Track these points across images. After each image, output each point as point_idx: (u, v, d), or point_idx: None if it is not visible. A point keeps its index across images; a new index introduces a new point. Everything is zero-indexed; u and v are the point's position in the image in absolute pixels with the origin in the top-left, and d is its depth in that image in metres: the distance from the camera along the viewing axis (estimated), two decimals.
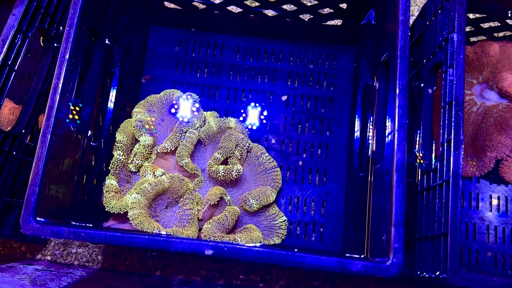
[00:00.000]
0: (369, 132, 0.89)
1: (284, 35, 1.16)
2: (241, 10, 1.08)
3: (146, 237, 0.66)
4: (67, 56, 0.72)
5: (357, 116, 1.04)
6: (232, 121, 1.08)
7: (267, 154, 1.07)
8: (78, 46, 0.75)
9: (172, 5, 1.12)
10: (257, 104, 1.14)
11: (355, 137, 1.03)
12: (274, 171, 1.06)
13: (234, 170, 1.01)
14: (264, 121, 1.12)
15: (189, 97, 1.09)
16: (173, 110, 1.09)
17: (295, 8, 1.06)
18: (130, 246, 0.65)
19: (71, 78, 0.74)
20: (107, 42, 0.89)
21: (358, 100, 1.05)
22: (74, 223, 0.80)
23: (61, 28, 0.90)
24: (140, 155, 1.03)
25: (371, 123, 0.88)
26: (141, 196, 0.94)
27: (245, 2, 1.06)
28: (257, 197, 1.01)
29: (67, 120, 0.75)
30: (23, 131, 0.84)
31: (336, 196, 1.08)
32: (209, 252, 0.65)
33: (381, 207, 0.75)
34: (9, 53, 0.75)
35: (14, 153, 0.83)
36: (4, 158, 0.81)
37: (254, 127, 1.12)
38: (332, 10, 1.05)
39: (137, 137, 1.04)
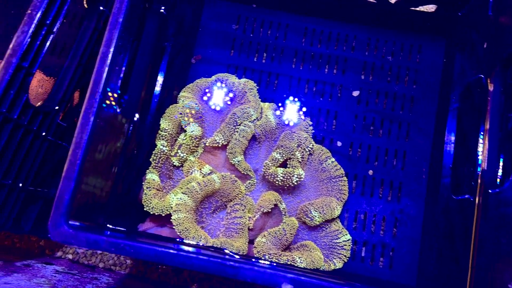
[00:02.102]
0: (478, 145, 0.73)
1: (361, 19, 1.00)
2: None
3: (207, 258, 0.52)
4: (120, 19, 0.59)
5: (449, 122, 0.89)
6: (295, 116, 0.94)
7: (333, 160, 0.92)
8: (133, 9, 0.62)
9: None
10: (322, 98, 0.99)
11: (447, 149, 0.87)
12: (340, 180, 0.91)
13: (295, 175, 0.87)
14: (330, 119, 0.98)
15: (246, 84, 0.95)
16: (226, 98, 0.95)
17: None
18: (185, 268, 0.51)
19: (123, 48, 0.61)
20: (162, 10, 0.76)
21: (452, 104, 0.89)
22: (110, 226, 0.67)
23: None
24: (185, 147, 0.89)
25: (482, 135, 0.73)
26: (188, 197, 0.80)
27: None
28: (320, 209, 0.86)
29: (113, 100, 0.62)
30: (56, 107, 0.72)
31: (412, 215, 0.92)
32: (287, 286, 0.51)
33: (500, 244, 0.60)
34: (48, 11, 0.62)
35: (44, 133, 0.71)
36: (31, 139, 0.68)
37: (318, 126, 0.98)
38: None
39: (183, 126, 0.91)
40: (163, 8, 0.75)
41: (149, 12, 0.73)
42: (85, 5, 0.74)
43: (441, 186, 0.87)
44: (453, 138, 0.87)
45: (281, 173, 0.87)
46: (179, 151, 0.89)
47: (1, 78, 0.58)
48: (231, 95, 0.95)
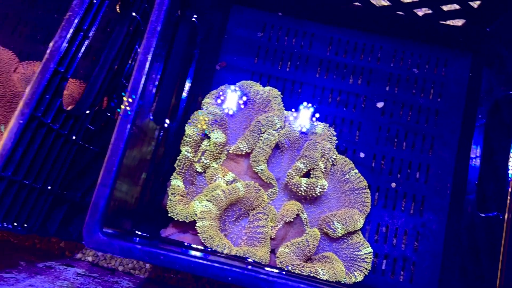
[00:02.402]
0: (508, 162, 0.73)
1: (388, 30, 1.00)
2: None
3: (241, 271, 0.52)
4: (158, 28, 0.59)
5: (475, 137, 0.88)
6: (319, 126, 0.94)
7: (356, 171, 0.92)
8: (170, 17, 0.62)
9: None
10: (346, 108, 0.99)
11: (473, 165, 0.87)
12: (363, 192, 0.91)
13: (319, 186, 0.87)
14: (354, 130, 0.98)
15: (270, 92, 0.95)
16: (250, 106, 0.96)
17: (415, 0, 0.90)
18: (219, 280, 0.52)
19: (159, 56, 0.61)
20: (194, 18, 0.76)
21: (479, 119, 0.88)
22: (138, 232, 0.67)
23: None
24: (209, 154, 0.89)
25: None
26: (213, 204, 0.80)
27: None
28: (343, 220, 0.86)
29: (149, 106, 0.62)
30: (87, 111, 0.72)
31: (434, 230, 0.92)
32: None
33: None
34: (85, 16, 0.63)
35: (74, 137, 0.71)
36: (62, 142, 0.69)
37: (341, 136, 0.97)
38: (458, 7, 0.89)
39: (207, 133, 0.91)
40: (195, 16, 0.76)
41: (181, 20, 0.74)
42: (118, 10, 0.74)
43: (465, 202, 0.86)
44: (479, 154, 0.86)
45: (305, 183, 0.87)
46: (202, 157, 0.90)
47: (38, 82, 0.58)
48: (255, 103, 0.96)
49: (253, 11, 1.03)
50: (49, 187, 0.70)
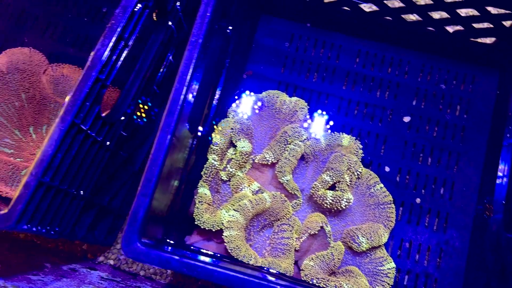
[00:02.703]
0: None
1: (416, 45, 1.00)
2: (377, 9, 0.93)
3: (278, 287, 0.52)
4: (200, 40, 0.60)
5: (503, 156, 0.88)
6: (345, 138, 0.94)
7: (381, 185, 0.92)
8: (212, 28, 0.62)
9: None
10: (372, 122, 0.99)
11: (499, 184, 0.86)
12: (388, 207, 0.91)
13: (344, 199, 0.87)
14: (379, 144, 0.98)
15: (297, 103, 0.96)
16: (276, 115, 0.96)
17: (446, 16, 0.90)
18: None
19: (199, 66, 0.62)
20: (229, 30, 0.77)
21: (507, 138, 0.88)
22: (172, 241, 0.68)
23: (177, 3, 0.78)
24: (235, 162, 0.90)
25: None
26: (240, 214, 0.81)
27: (385, 1, 0.91)
28: (368, 235, 0.86)
29: (187, 116, 0.63)
30: (122, 118, 0.73)
31: (457, 247, 0.92)
32: None
33: None
34: (127, 25, 0.63)
35: (108, 143, 0.72)
36: (97, 149, 0.69)
37: (366, 149, 0.97)
38: (490, 26, 0.89)
39: (233, 141, 0.91)
40: (230, 28, 0.76)
41: (217, 30, 0.74)
42: (154, 18, 0.75)
43: (490, 221, 0.86)
44: (507, 173, 0.86)
45: (331, 196, 0.87)
46: (228, 166, 0.90)
47: (80, 90, 0.59)
48: (281, 113, 0.96)
49: (282, 21, 1.04)
50: (82, 192, 0.70)
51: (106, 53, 0.60)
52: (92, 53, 0.61)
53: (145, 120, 0.84)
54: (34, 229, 0.61)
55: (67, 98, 0.59)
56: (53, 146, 0.57)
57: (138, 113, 0.82)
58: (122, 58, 0.65)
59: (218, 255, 0.77)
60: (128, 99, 0.73)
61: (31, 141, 0.91)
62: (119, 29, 0.61)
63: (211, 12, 0.61)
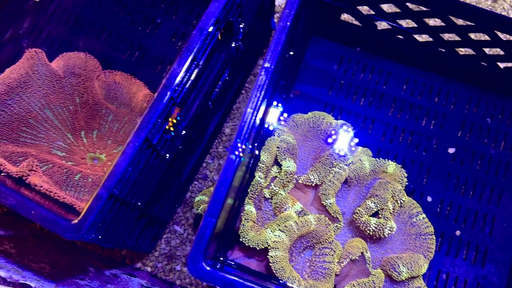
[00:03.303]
0: None
1: (465, 78, 1.01)
2: (431, 40, 0.95)
3: None
4: (272, 67, 0.62)
5: None
6: (391, 166, 0.95)
7: (424, 216, 0.93)
8: (283, 55, 0.64)
9: (347, 17, 1.01)
10: (416, 150, 1.00)
11: None
12: (429, 238, 0.91)
13: (388, 227, 0.88)
14: (423, 173, 0.98)
15: (344, 126, 0.97)
16: (321, 137, 0.97)
17: (499, 53, 0.91)
18: None
19: (267, 91, 0.63)
20: (291, 53, 0.79)
21: None
22: (221, 258, 0.69)
23: (241, 24, 0.80)
24: (279, 181, 0.91)
25: None
26: (286, 235, 0.82)
27: (440, 34, 0.92)
28: (408, 264, 0.87)
29: (253, 137, 0.64)
30: (183, 132, 0.75)
31: (494, 283, 0.92)
32: None
33: None
34: (202, 46, 0.65)
35: (167, 156, 0.74)
36: (158, 162, 0.71)
37: (409, 177, 0.98)
38: None
39: (279, 160, 0.93)
40: (292, 52, 0.78)
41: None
42: (219, 38, 0.77)
43: None
44: None
45: (374, 223, 0.88)
46: (272, 184, 0.91)
47: (155, 108, 0.61)
48: (326, 134, 0.97)
49: (332, 44, 1.05)
50: (139, 203, 0.72)
51: (182, 73, 0.62)
52: (167, 72, 0.63)
53: (197, 133, 0.86)
54: (97, 238, 0.63)
55: (143, 115, 0.61)
56: (127, 161, 0.59)
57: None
58: (192, 78, 0.67)
59: (270, 277, 0.79)
60: (188, 115, 0.75)
61: (81, 145, 0.94)
62: (195, 50, 0.63)
63: (284, 39, 0.63)
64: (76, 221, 0.58)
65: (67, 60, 0.97)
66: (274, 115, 0.98)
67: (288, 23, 0.65)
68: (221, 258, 0.73)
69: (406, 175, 0.95)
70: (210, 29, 0.66)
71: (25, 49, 1.02)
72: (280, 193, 0.93)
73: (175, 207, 0.98)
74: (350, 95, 1.03)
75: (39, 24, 1.05)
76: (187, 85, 0.66)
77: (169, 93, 0.62)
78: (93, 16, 1.06)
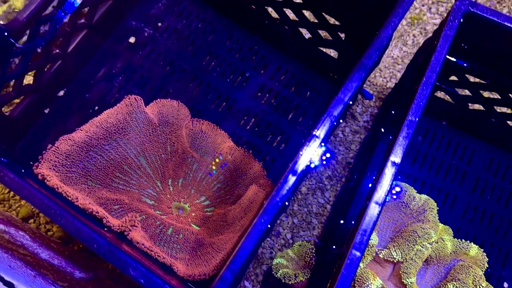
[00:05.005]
0: None
1: None
2: None
3: None
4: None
5: None
6: (473, 249, 0.95)
7: None
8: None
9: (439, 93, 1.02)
10: (496, 233, 1.00)
11: None
12: None
13: None
14: (500, 259, 0.98)
15: (426, 201, 0.98)
16: (402, 209, 0.98)
17: None
18: None
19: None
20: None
21: None
22: None
23: None
24: None
25: None
26: None
27: None
28: None
29: None
30: None
31: None
32: None
33: None
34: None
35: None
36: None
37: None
38: None
39: None
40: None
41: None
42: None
43: None
44: None
45: None
46: None
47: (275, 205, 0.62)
48: (408, 208, 0.98)
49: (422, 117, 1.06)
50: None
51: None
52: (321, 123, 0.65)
53: None
54: None
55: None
56: (251, 244, 0.61)
57: None
58: None
59: None
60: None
61: (168, 193, 0.96)
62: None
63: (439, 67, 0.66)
64: None
65: (161, 108, 1.00)
66: None
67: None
68: None
69: (487, 259, 0.95)
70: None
71: (116, 88, 1.06)
72: (363, 269, 0.93)
73: (248, 264, 0.99)
74: (432, 169, 1.04)
75: (132, 65, 1.09)
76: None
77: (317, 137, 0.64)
78: (185, 63, 1.10)
